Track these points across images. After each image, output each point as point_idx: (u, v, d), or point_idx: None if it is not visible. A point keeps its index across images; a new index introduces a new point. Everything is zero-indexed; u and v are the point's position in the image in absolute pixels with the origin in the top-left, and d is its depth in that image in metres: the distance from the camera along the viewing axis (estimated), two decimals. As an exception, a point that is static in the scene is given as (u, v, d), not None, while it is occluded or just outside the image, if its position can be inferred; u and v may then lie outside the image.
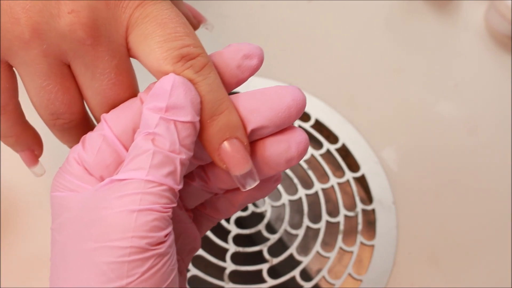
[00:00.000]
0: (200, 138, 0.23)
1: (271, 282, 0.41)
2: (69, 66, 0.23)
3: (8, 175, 0.43)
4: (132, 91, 0.24)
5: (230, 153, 0.22)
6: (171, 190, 0.21)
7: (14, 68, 0.24)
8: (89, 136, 0.23)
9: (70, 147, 0.27)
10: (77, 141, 0.27)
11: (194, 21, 0.33)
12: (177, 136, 0.21)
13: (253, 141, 0.24)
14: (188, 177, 0.26)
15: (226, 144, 0.22)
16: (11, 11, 0.21)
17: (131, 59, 0.24)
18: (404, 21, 0.60)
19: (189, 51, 0.22)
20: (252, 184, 0.23)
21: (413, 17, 0.60)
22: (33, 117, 0.26)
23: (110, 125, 0.23)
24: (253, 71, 0.24)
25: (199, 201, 0.27)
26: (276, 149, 0.23)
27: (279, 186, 0.46)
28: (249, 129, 0.23)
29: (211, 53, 0.24)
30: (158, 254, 0.20)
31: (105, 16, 0.22)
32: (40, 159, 0.29)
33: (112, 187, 0.20)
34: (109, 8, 0.22)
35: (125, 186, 0.20)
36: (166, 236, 0.20)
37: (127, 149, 0.23)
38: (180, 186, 0.21)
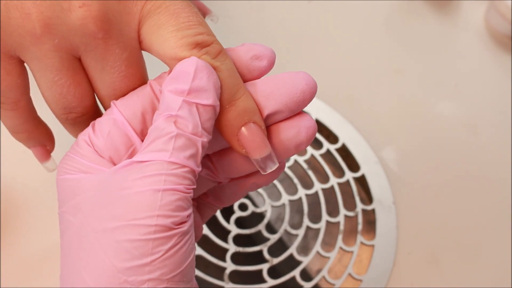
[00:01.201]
0: (217, 124, 0.23)
1: (271, 282, 0.41)
2: (80, 60, 0.23)
3: (8, 175, 0.43)
4: (142, 84, 0.24)
5: (249, 137, 0.23)
6: (193, 172, 0.21)
7: (25, 64, 0.24)
8: (99, 121, 0.23)
9: None
10: None
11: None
12: (199, 119, 0.21)
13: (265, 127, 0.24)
14: None
15: (244, 128, 0.23)
16: (22, 6, 0.21)
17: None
18: (404, 21, 0.60)
19: (204, 38, 0.22)
20: (272, 167, 0.23)
21: (413, 17, 0.60)
22: (44, 113, 0.27)
23: (120, 109, 0.23)
24: (262, 72, 0.24)
25: (203, 190, 0.27)
26: (286, 134, 0.24)
27: (279, 186, 0.46)
28: (265, 114, 0.23)
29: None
30: (181, 233, 0.20)
31: (116, 10, 0.22)
32: (52, 154, 0.29)
33: (133, 168, 0.21)
34: (120, 1, 0.22)
35: (147, 167, 0.20)
36: (188, 216, 0.21)
37: (136, 133, 0.23)
38: (200, 169, 0.21)
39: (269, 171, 0.24)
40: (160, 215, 0.20)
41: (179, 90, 0.21)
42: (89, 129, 0.23)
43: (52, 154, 0.29)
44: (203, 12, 0.33)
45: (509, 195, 0.49)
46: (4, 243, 0.40)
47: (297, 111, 0.24)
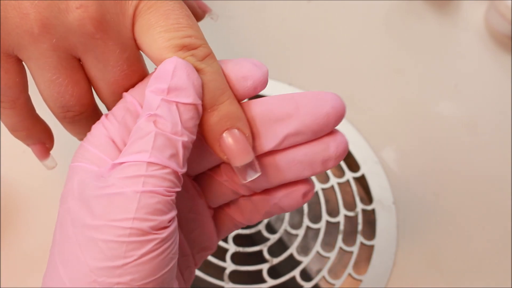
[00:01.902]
0: (200, 128, 0.23)
1: (271, 282, 0.41)
2: (79, 60, 0.23)
3: (8, 174, 0.43)
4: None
5: (231, 144, 0.22)
6: (175, 173, 0.20)
7: (23, 63, 0.24)
8: (112, 110, 0.23)
9: (80, 139, 0.27)
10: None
11: (199, 11, 0.33)
12: (179, 118, 0.21)
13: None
14: (214, 172, 0.26)
15: (226, 134, 0.22)
16: (20, 6, 0.21)
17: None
18: (404, 21, 0.60)
19: (191, 41, 0.22)
20: (253, 176, 0.23)
21: (413, 17, 0.60)
22: (43, 111, 0.27)
23: (132, 94, 0.23)
24: (246, 93, 0.23)
25: (223, 199, 0.26)
26: (313, 148, 0.23)
27: (279, 186, 0.46)
28: (284, 133, 0.23)
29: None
30: (159, 239, 0.20)
31: (113, 11, 0.22)
32: (51, 152, 0.29)
33: (115, 170, 0.20)
34: (117, 2, 0.22)
35: (127, 169, 0.20)
36: (169, 221, 0.20)
37: None
38: (184, 170, 0.21)
39: (249, 179, 0.23)
40: (137, 218, 0.19)
41: (159, 90, 0.21)
42: (103, 117, 0.23)
43: (52, 152, 0.29)
44: (203, 10, 0.33)
45: (509, 195, 0.48)
46: (4, 242, 0.40)
47: (321, 134, 0.23)
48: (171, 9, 0.22)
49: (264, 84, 0.23)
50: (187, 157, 0.21)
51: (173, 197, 0.20)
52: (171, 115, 0.21)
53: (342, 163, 0.49)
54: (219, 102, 0.22)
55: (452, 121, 0.53)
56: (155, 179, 0.20)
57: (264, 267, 0.42)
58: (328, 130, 0.23)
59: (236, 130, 0.22)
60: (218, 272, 0.41)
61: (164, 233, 0.20)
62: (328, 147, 0.23)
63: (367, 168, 0.48)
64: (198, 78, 0.22)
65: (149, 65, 0.25)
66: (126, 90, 0.24)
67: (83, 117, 0.25)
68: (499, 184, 0.49)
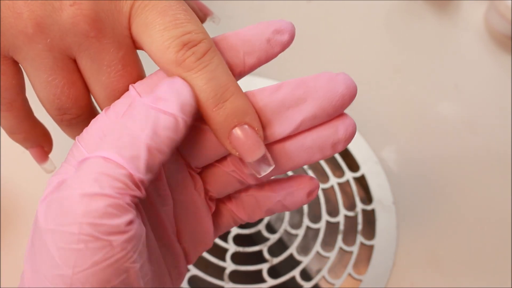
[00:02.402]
0: (209, 126, 0.22)
1: (271, 282, 0.41)
2: (75, 61, 0.23)
3: (8, 175, 0.43)
4: None
5: (241, 140, 0.22)
6: (131, 176, 0.19)
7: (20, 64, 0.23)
8: (115, 103, 0.22)
9: None
10: None
11: (201, 14, 0.33)
12: (154, 123, 0.20)
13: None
14: (221, 163, 0.25)
15: (236, 131, 0.22)
16: (13, 6, 0.21)
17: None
18: (404, 21, 0.60)
19: (191, 38, 0.21)
20: (266, 170, 0.22)
21: (413, 17, 0.60)
22: (42, 114, 0.26)
23: (138, 89, 0.22)
24: (284, 46, 0.23)
25: (229, 190, 0.26)
26: (322, 132, 0.23)
27: (279, 186, 0.46)
28: (300, 118, 0.22)
29: (238, 30, 0.23)
30: (113, 245, 0.18)
31: (107, 8, 0.22)
32: (50, 155, 0.29)
33: (79, 167, 0.19)
34: (111, 0, 0.22)
35: (84, 165, 0.19)
36: (126, 225, 0.18)
37: None
38: (145, 177, 0.19)
39: (263, 174, 0.22)
40: (84, 222, 0.18)
41: (145, 98, 0.20)
42: (102, 111, 0.22)
43: (51, 155, 0.29)
44: (205, 13, 0.33)
45: (509, 195, 0.49)
46: (4, 243, 0.40)
47: (335, 115, 0.23)
48: (167, 5, 0.22)
49: (294, 35, 0.23)
50: (156, 166, 0.20)
51: (128, 201, 0.19)
52: (145, 117, 0.20)
53: (342, 163, 0.49)
54: (223, 99, 0.22)
55: (452, 121, 0.53)
56: (108, 178, 0.18)
57: (264, 267, 0.42)
58: (343, 110, 0.23)
59: (245, 126, 0.22)
60: (218, 272, 0.41)
61: (120, 239, 0.18)
62: (337, 131, 0.23)
63: (367, 168, 0.48)
64: (188, 95, 0.21)
65: (149, 65, 0.25)
66: (121, 94, 0.23)
67: (81, 120, 0.24)
68: (499, 184, 0.49)
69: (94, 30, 0.22)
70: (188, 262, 0.27)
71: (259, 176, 0.23)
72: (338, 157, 0.49)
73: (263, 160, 0.22)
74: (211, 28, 0.31)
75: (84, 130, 0.22)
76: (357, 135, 0.50)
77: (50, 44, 0.22)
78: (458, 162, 0.50)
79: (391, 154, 0.50)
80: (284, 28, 0.23)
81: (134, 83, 0.23)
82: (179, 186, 0.24)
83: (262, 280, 0.41)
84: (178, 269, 0.26)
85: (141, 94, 0.22)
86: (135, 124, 0.20)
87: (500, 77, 0.57)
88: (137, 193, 0.19)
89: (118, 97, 0.23)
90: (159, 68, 0.23)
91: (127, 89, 0.23)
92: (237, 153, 0.22)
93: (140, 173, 0.19)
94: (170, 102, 0.20)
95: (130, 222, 0.19)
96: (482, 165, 0.50)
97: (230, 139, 0.22)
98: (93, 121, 0.22)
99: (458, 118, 0.53)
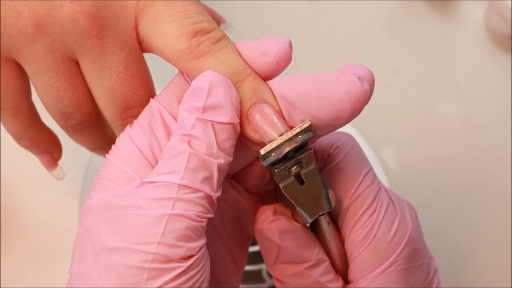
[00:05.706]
0: None
1: (271, 282, 0.41)
2: (77, 63, 0.22)
3: (8, 175, 0.43)
4: (145, 88, 0.23)
5: (261, 119, 0.20)
6: (208, 197, 0.19)
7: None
8: (137, 118, 0.22)
9: (88, 148, 0.26)
10: (93, 143, 0.25)
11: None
12: (215, 139, 0.19)
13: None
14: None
15: (254, 110, 0.21)
16: (13, 5, 0.21)
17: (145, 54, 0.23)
18: (404, 21, 0.60)
19: (204, 26, 0.21)
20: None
21: (413, 17, 0.60)
22: (49, 120, 0.26)
23: (158, 100, 0.21)
24: (268, 68, 0.22)
25: (263, 181, 0.25)
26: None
27: (279, 186, 0.46)
28: (307, 115, 0.21)
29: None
30: (183, 268, 0.18)
31: (110, 5, 0.21)
32: (60, 162, 0.28)
33: (143, 189, 0.19)
34: None
35: (155, 189, 0.19)
36: (199, 249, 0.18)
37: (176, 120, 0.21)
38: (218, 194, 0.19)
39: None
40: (162, 242, 0.18)
41: (194, 108, 0.19)
42: (127, 127, 0.22)
43: (60, 162, 0.28)
44: (217, 21, 0.32)
45: (509, 195, 0.48)
46: (4, 243, 0.40)
47: (336, 125, 0.21)
48: None
49: (287, 56, 0.23)
50: (222, 181, 0.20)
51: (204, 224, 0.19)
52: (206, 135, 0.19)
53: (342, 163, 0.49)
54: (242, 78, 0.21)
55: (452, 121, 0.53)
56: (186, 203, 0.18)
57: (264, 267, 0.42)
58: (345, 119, 0.21)
59: (264, 104, 0.21)
60: (218, 272, 0.41)
61: (189, 262, 0.18)
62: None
63: (367, 168, 0.48)
64: (236, 95, 0.20)
65: (153, 68, 0.25)
66: (125, 100, 0.23)
67: (85, 126, 0.24)
68: (499, 184, 0.49)
69: (96, 27, 0.21)
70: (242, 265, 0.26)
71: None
72: (338, 157, 0.49)
73: None
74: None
75: (113, 146, 0.21)
76: (357, 135, 0.50)
77: (51, 44, 0.21)
78: (458, 162, 0.50)
79: (391, 154, 0.50)
80: (270, 50, 0.22)
81: (138, 87, 0.22)
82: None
83: (262, 280, 0.41)
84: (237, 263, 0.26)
85: (160, 102, 0.21)
86: (200, 144, 0.19)
87: (500, 77, 0.57)
88: (211, 214, 0.19)
89: (120, 103, 0.23)
90: (168, 62, 0.22)
91: (130, 94, 0.23)
92: (257, 135, 0.21)
93: (214, 192, 0.19)
94: (225, 109, 0.19)
95: (202, 246, 0.19)
96: (482, 165, 0.50)
97: (249, 119, 0.21)
98: (119, 138, 0.21)
99: (458, 118, 0.53)
